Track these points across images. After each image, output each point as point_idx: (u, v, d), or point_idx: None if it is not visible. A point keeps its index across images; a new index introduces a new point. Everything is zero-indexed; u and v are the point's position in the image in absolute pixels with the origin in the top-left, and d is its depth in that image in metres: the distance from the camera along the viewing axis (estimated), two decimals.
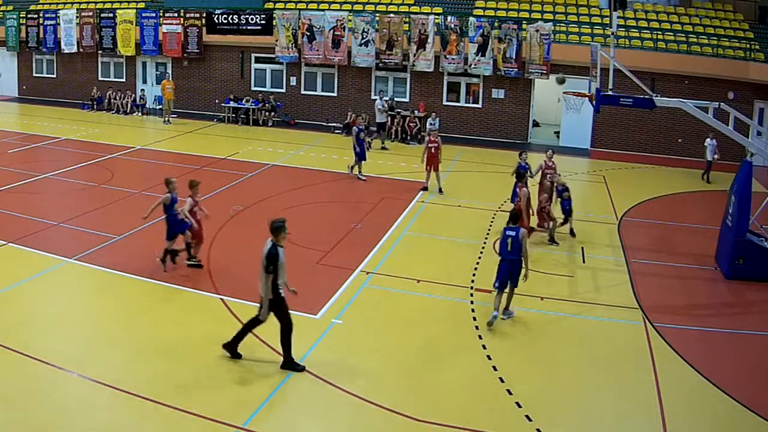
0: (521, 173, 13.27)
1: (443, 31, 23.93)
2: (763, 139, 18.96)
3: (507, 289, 9.96)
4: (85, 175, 17.45)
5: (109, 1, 30.71)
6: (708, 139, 19.39)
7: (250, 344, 8.97)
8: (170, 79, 26.64)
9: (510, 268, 9.76)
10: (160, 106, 27.20)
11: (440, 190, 16.66)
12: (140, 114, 27.83)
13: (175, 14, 27.37)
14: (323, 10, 26.04)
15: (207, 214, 11.52)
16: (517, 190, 12.96)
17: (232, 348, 8.53)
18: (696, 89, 21.61)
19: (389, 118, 23.71)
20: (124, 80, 29.51)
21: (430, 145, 16.58)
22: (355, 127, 17.89)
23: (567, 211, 13.71)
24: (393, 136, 23.63)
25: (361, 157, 17.63)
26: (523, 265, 9.81)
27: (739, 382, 8.49)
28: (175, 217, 11.16)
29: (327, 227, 13.79)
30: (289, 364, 8.34)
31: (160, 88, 26.94)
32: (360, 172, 17.75)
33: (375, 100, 23.55)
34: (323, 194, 16.69)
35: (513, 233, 9.74)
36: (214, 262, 11.78)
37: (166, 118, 25.85)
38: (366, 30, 24.61)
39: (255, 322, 8.41)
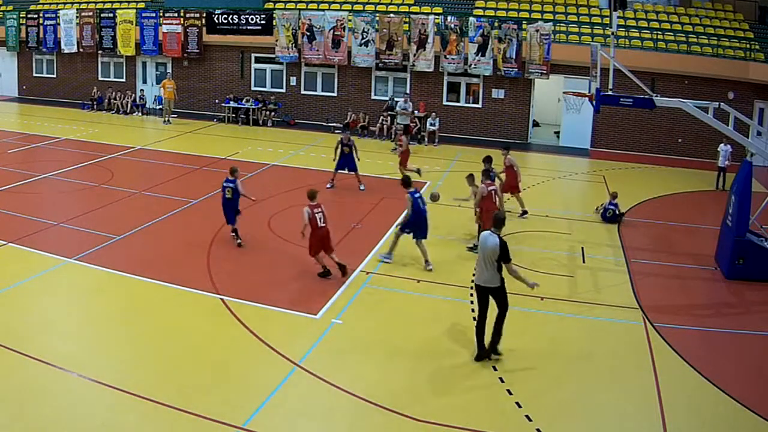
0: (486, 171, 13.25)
1: (443, 31, 23.93)
2: (763, 139, 18.89)
3: (417, 242, 11.79)
4: (85, 175, 17.44)
5: (109, 1, 30.71)
6: (722, 145, 18.58)
7: (250, 344, 8.99)
8: (171, 78, 26.63)
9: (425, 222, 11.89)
10: (160, 106, 27.18)
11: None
12: (140, 114, 27.82)
13: (175, 14, 27.36)
14: (323, 10, 26.04)
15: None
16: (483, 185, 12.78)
17: (490, 353, 8.78)
18: (696, 89, 21.60)
19: (389, 118, 23.73)
20: (124, 80, 29.50)
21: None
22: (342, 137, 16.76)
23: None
24: (392, 136, 23.60)
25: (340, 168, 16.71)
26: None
27: (739, 382, 8.49)
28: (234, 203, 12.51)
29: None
30: (494, 350, 8.76)
31: (160, 88, 26.93)
32: (336, 180, 16.93)
33: (397, 102, 22.97)
34: (323, 194, 16.54)
35: (418, 194, 12.00)
36: (214, 262, 11.78)
37: (166, 118, 25.83)
38: (366, 30, 24.61)
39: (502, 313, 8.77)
